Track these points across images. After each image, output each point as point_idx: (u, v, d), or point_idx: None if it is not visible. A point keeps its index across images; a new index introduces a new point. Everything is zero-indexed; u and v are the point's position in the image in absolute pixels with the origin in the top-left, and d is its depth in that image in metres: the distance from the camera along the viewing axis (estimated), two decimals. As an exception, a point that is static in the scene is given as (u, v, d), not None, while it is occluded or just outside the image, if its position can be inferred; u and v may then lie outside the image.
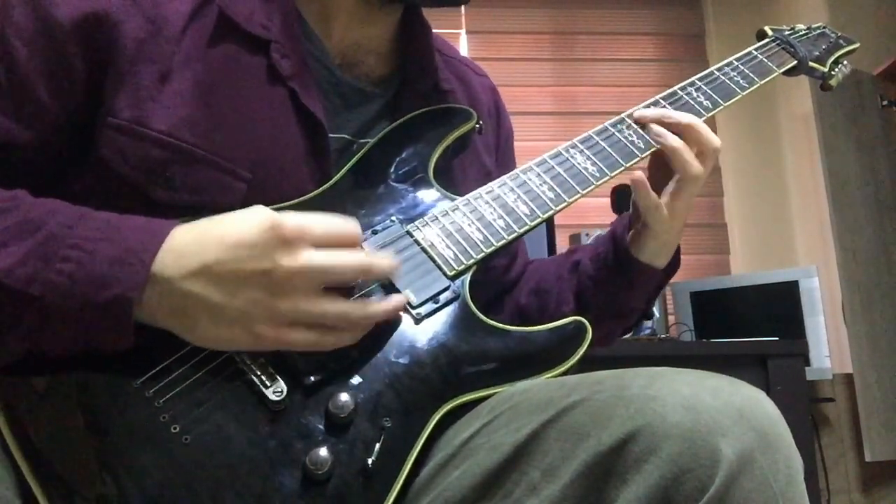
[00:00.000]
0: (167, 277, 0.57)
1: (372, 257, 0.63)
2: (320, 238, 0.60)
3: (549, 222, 2.30)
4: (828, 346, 2.44)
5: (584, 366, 0.69)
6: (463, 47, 3.12)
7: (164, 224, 0.60)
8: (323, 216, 0.62)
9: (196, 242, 0.59)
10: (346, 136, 0.78)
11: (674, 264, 0.87)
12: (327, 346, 0.61)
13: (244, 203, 0.64)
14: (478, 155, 0.88)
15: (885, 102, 2.84)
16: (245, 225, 0.59)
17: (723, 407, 0.54)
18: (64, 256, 0.56)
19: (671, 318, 2.64)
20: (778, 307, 2.51)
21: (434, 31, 0.88)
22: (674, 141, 0.80)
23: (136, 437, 0.56)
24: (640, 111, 0.83)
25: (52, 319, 0.56)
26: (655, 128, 0.81)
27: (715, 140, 0.81)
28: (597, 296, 0.86)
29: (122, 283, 0.56)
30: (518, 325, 0.70)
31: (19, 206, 0.59)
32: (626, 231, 0.85)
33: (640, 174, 0.79)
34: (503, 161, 0.93)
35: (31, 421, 0.56)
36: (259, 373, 0.60)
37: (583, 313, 0.81)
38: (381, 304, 0.63)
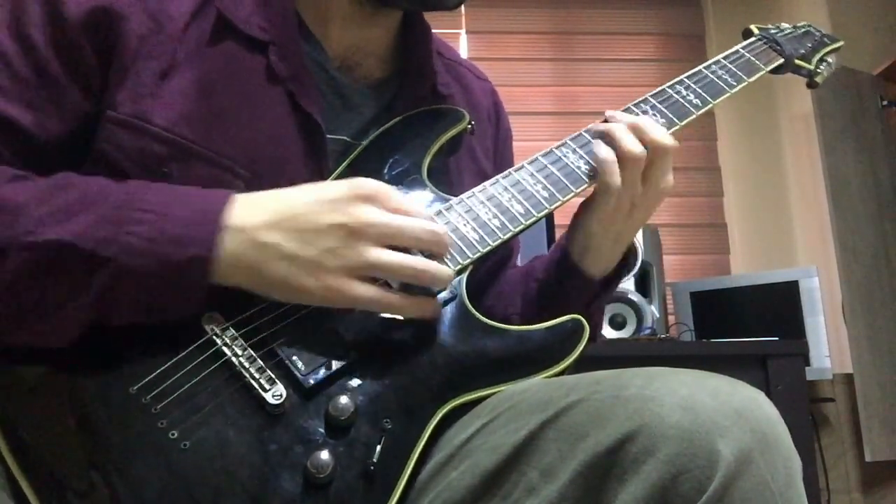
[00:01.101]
0: (243, 228, 0.60)
1: (438, 227, 0.65)
2: (394, 205, 0.63)
3: (549, 221, 2.29)
4: (828, 346, 2.44)
5: (583, 366, 0.69)
6: (463, 47, 3.12)
7: (223, 191, 0.62)
8: (396, 189, 0.65)
9: (270, 198, 0.62)
10: (344, 138, 0.78)
11: (613, 279, 0.84)
12: (391, 306, 0.63)
13: None
14: (474, 157, 0.88)
15: (885, 102, 2.83)
16: (324, 184, 0.64)
17: (721, 407, 0.53)
18: (137, 219, 0.58)
19: (671, 318, 2.64)
20: (778, 307, 2.51)
21: (434, 31, 0.87)
22: (601, 152, 0.77)
23: (133, 444, 0.55)
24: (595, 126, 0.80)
25: (124, 282, 0.57)
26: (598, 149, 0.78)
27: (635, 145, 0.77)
28: (537, 300, 0.85)
29: (198, 242, 0.58)
30: None
31: (75, 182, 0.61)
32: (569, 236, 0.84)
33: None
34: (500, 164, 0.93)
35: (23, 426, 0.56)
36: (257, 376, 0.59)
37: (527, 316, 0.80)
38: (444, 268, 0.64)
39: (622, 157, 0.76)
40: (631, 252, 0.86)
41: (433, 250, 0.65)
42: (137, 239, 0.57)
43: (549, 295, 0.84)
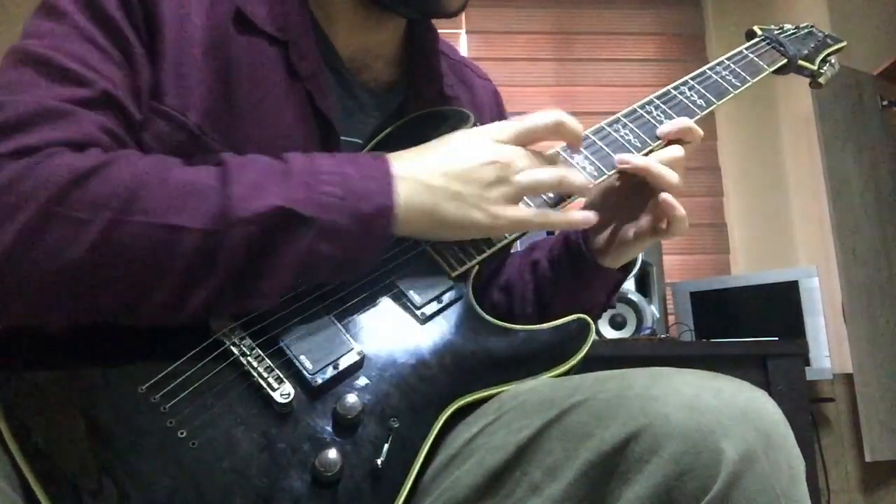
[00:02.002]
0: (413, 177, 0.66)
1: (564, 116, 0.73)
2: (518, 132, 0.72)
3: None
4: (828, 346, 2.44)
5: (586, 366, 0.69)
6: (463, 47, 3.13)
7: (374, 152, 0.70)
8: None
9: (420, 152, 0.69)
10: (358, 141, 0.78)
11: (630, 263, 0.87)
12: (549, 220, 0.72)
13: None
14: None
15: (885, 102, 2.84)
16: (465, 135, 0.71)
17: (725, 407, 0.54)
18: (324, 181, 0.62)
19: (671, 318, 2.64)
20: (778, 307, 2.51)
21: (438, 33, 0.88)
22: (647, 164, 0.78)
23: (142, 443, 0.55)
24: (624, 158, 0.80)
25: (326, 237, 0.61)
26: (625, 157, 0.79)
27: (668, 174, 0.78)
28: (556, 297, 0.87)
29: (379, 193, 0.63)
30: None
31: (247, 159, 0.63)
32: (580, 238, 0.85)
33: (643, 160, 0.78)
34: None
35: (32, 426, 0.56)
36: (265, 376, 0.60)
37: (543, 312, 0.81)
38: (583, 176, 0.74)
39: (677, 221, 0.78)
40: None
41: (564, 134, 0.73)
42: (330, 198, 0.61)
43: (569, 290, 0.86)
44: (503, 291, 0.92)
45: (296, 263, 0.60)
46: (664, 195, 0.76)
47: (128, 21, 0.66)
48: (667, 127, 0.81)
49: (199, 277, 0.58)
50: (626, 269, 0.86)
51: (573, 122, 0.73)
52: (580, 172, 0.75)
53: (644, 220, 0.80)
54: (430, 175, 0.66)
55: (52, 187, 0.55)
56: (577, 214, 0.74)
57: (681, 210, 0.77)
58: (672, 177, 0.76)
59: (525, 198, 0.72)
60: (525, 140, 0.71)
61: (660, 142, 0.81)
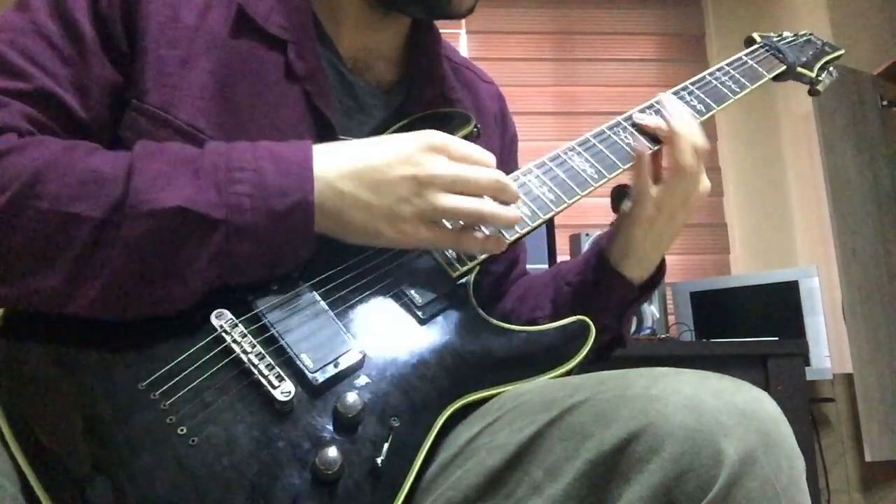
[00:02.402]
0: (325, 179, 0.63)
1: (505, 179, 0.68)
2: (461, 155, 0.67)
3: (549, 223, 2.30)
4: (828, 346, 2.44)
5: (586, 366, 0.69)
6: (463, 47, 3.13)
7: (302, 142, 0.65)
8: (466, 142, 0.69)
9: (346, 149, 0.65)
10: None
11: (650, 285, 0.86)
12: (466, 246, 0.69)
13: None
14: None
15: (885, 102, 2.83)
16: (395, 137, 0.67)
17: (725, 407, 0.54)
18: (237, 179, 0.60)
19: (671, 318, 2.64)
20: (778, 307, 2.51)
21: (441, 35, 0.88)
22: (677, 126, 0.79)
23: (142, 439, 0.55)
24: (640, 117, 0.83)
25: (240, 238, 0.59)
26: (651, 119, 0.81)
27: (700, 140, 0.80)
28: (571, 303, 0.86)
29: (297, 189, 0.61)
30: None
31: (159, 148, 0.62)
32: (609, 239, 0.85)
33: (643, 147, 0.80)
34: (507, 167, 0.93)
35: (32, 422, 0.56)
36: (266, 373, 0.60)
37: (558, 319, 0.81)
38: (510, 210, 0.69)
39: (682, 168, 0.78)
40: (663, 262, 0.87)
41: (500, 197, 0.68)
42: (242, 197, 0.60)
43: (584, 299, 0.85)
44: (518, 300, 0.92)
45: (209, 265, 0.59)
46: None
47: (92, 23, 0.66)
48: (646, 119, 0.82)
49: (90, 269, 0.57)
50: (643, 289, 0.85)
51: (511, 189, 0.69)
52: (515, 210, 0.71)
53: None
54: (345, 178, 0.64)
55: None
56: (490, 240, 0.70)
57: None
58: (690, 154, 0.78)
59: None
60: (452, 184, 0.66)
61: (660, 146, 0.82)
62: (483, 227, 0.70)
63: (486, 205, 0.67)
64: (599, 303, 0.84)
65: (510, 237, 0.73)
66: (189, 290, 0.60)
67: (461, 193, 0.66)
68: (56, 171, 0.58)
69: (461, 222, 0.69)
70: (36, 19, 0.66)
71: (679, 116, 0.81)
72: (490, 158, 0.69)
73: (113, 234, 0.57)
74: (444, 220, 0.68)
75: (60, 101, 0.65)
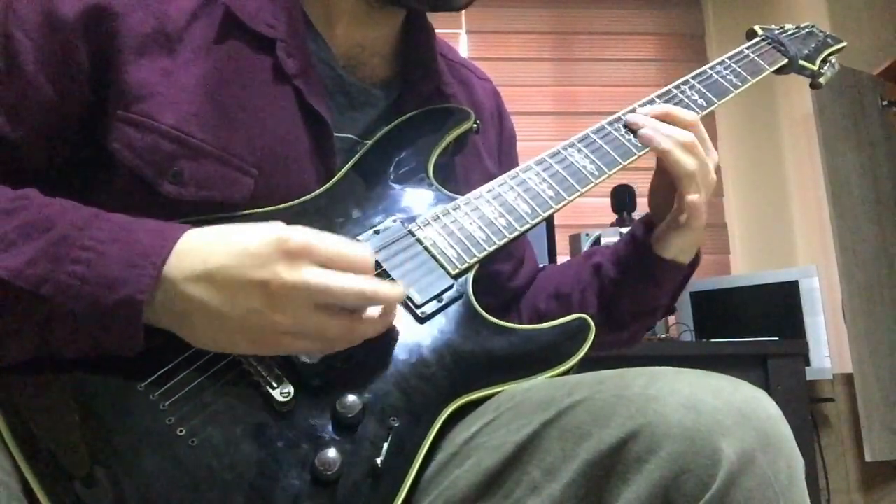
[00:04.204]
0: (171, 280, 0.57)
1: (378, 285, 0.60)
2: (326, 258, 0.58)
3: (549, 222, 2.29)
4: (828, 346, 2.44)
5: (585, 366, 0.69)
6: (463, 47, 3.12)
7: (178, 228, 0.60)
8: (337, 238, 0.60)
9: (203, 247, 0.58)
10: (352, 136, 0.78)
11: (696, 259, 0.88)
12: (329, 352, 0.60)
13: (252, 199, 0.66)
14: (480, 157, 0.89)
15: (885, 102, 2.83)
16: (253, 234, 0.58)
17: (724, 407, 0.54)
18: (75, 258, 0.56)
19: (671, 318, 2.64)
20: (778, 307, 2.51)
21: (435, 31, 0.88)
22: (662, 142, 0.80)
23: (141, 440, 0.55)
24: (630, 117, 0.83)
25: (61, 320, 0.56)
26: (643, 133, 0.81)
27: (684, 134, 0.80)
28: (621, 298, 0.87)
29: (131, 285, 0.56)
30: None
31: (28, 206, 0.59)
32: (647, 233, 0.86)
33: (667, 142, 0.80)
34: (505, 165, 0.94)
35: (31, 422, 0.56)
36: (265, 374, 0.60)
37: (608, 315, 0.82)
38: (381, 318, 0.61)
39: (688, 174, 0.79)
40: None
41: (370, 304, 0.60)
42: (72, 279, 0.55)
43: (636, 291, 0.87)
44: (555, 300, 0.92)
45: (32, 338, 0.56)
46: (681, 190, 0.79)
47: (41, 39, 0.64)
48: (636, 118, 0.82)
49: None
50: (692, 265, 0.88)
51: (386, 294, 0.60)
52: (398, 287, 0.63)
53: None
54: (191, 282, 0.57)
55: None
56: (384, 319, 0.62)
57: (692, 197, 0.79)
58: (685, 160, 0.78)
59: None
60: (310, 298, 0.57)
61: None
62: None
63: (356, 322, 0.59)
64: (653, 291, 0.86)
65: (496, 243, 0.72)
66: (7, 355, 0.57)
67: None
68: None
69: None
70: None
71: (653, 129, 0.81)
72: (365, 251, 0.61)
73: None
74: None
75: None
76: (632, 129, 0.82)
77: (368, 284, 0.59)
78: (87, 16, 0.65)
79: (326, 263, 0.58)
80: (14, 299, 0.55)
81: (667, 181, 0.82)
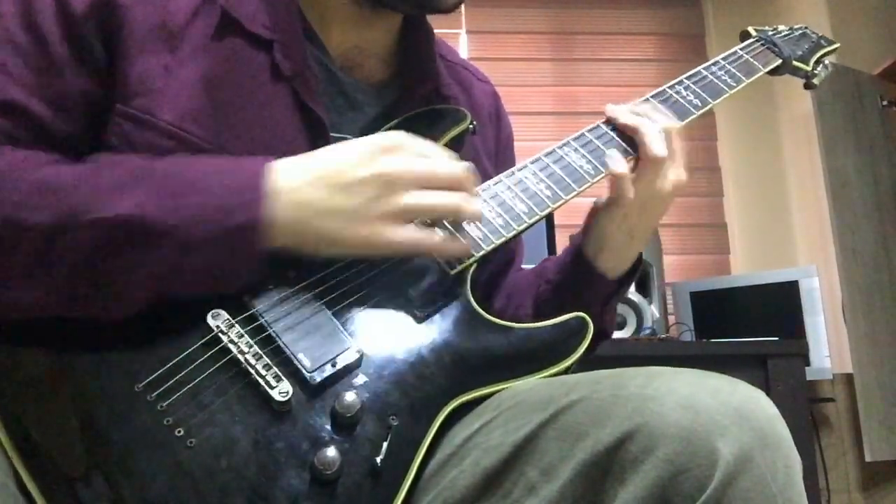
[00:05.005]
0: (284, 191, 0.62)
1: (467, 173, 0.68)
2: (420, 151, 0.67)
3: (549, 222, 2.29)
4: (828, 346, 2.44)
5: (584, 366, 0.69)
6: (463, 47, 3.12)
7: (261, 158, 0.64)
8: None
9: (306, 159, 0.65)
10: (348, 137, 0.78)
11: (627, 280, 0.86)
12: (432, 245, 0.66)
13: None
14: (478, 158, 0.89)
15: (885, 102, 2.83)
16: (355, 141, 0.66)
17: (721, 407, 0.54)
18: (187, 193, 0.60)
19: (671, 318, 2.64)
20: (778, 307, 2.51)
21: (434, 31, 0.88)
22: (635, 121, 0.80)
23: (139, 441, 0.55)
24: (612, 111, 0.83)
25: (185, 252, 0.59)
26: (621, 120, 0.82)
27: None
28: (551, 301, 0.86)
29: (246, 207, 0.60)
30: None
31: (116, 160, 0.62)
32: (583, 235, 0.86)
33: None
34: (502, 166, 0.93)
35: (27, 423, 0.56)
36: (263, 374, 0.60)
37: (539, 316, 0.81)
38: (475, 203, 0.68)
39: (650, 160, 0.78)
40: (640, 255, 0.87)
41: (458, 186, 0.67)
42: (193, 210, 0.59)
43: (564, 295, 0.85)
44: (505, 298, 0.92)
45: (151, 274, 0.59)
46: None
47: (63, 32, 0.66)
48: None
49: (36, 276, 0.58)
50: (621, 283, 0.85)
51: (469, 179, 0.68)
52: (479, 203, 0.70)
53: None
54: (304, 188, 0.63)
55: None
56: (456, 244, 0.69)
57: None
58: (658, 144, 0.78)
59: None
60: (418, 180, 0.65)
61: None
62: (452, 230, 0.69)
63: (453, 197, 0.66)
64: (579, 299, 0.83)
65: (494, 242, 0.72)
66: (131, 297, 0.59)
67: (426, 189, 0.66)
68: (11, 180, 0.59)
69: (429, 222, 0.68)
70: (6, 26, 0.65)
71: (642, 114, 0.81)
72: (443, 152, 0.69)
73: (61, 240, 0.58)
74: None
75: (30, 113, 0.64)
76: (613, 121, 0.82)
77: (461, 172, 0.68)
78: (95, 9, 0.66)
79: (421, 157, 0.66)
80: (138, 235, 0.58)
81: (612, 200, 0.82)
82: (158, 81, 0.67)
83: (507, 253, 0.93)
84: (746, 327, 2.41)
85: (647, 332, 2.19)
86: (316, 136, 0.73)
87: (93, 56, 0.67)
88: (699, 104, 0.87)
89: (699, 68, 0.92)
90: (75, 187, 0.59)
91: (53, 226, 0.57)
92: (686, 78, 0.90)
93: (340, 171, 0.63)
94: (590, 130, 0.82)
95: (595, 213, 0.84)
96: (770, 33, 1.02)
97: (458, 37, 3.13)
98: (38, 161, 0.61)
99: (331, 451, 0.56)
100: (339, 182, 0.63)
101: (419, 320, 0.67)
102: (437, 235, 0.67)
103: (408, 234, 0.64)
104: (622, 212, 0.80)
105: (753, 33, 1.01)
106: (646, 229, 0.82)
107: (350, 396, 0.59)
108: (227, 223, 0.59)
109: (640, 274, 2.28)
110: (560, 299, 0.85)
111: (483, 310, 0.70)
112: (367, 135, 0.78)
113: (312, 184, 0.63)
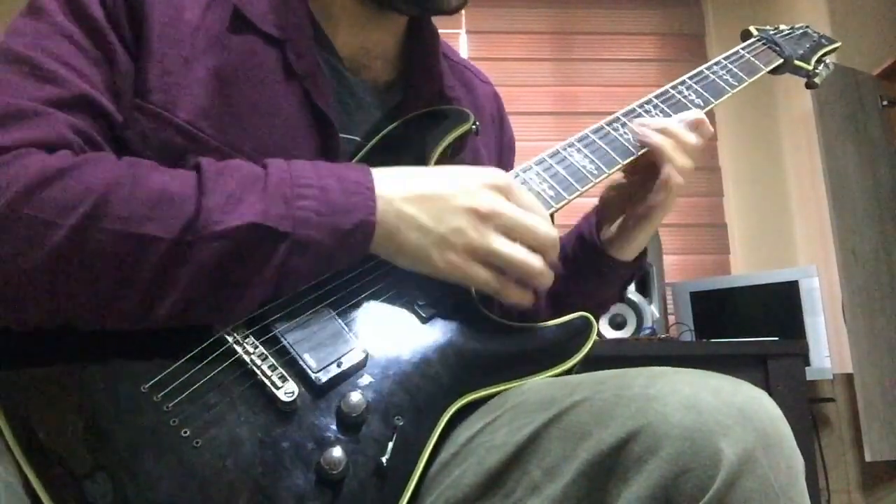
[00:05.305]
0: (389, 198, 0.64)
1: (556, 234, 0.70)
2: (521, 200, 0.68)
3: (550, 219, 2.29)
4: (828, 346, 2.44)
5: (586, 366, 0.69)
6: (463, 47, 3.12)
7: (359, 165, 0.68)
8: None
9: (405, 174, 0.67)
10: (356, 138, 0.78)
11: (643, 254, 0.89)
12: (504, 294, 0.68)
13: None
14: (479, 158, 0.89)
15: (885, 102, 2.83)
16: (463, 169, 0.69)
17: (724, 406, 0.54)
18: (302, 195, 0.61)
19: (671, 318, 2.64)
20: (778, 307, 2.51)
21: (438, 33, 0.88)
22: (658, 139, 0.81)
23: (145, 442, 0.55)
24: (635, 126, 0.84)
25: (302, 252, 0.60)
26: (638, 129, 0.83)
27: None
28: (571, 294, 0.88)
29: (360, 208, 0.63)
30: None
31: (225, 167, 0.62)
32: (594, 231, 0.86)
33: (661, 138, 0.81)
34: (504, 167, 0.94)
35: (34, 424, 0.55)
36: (269, 374, 0.60)
37: (558, 309, 0.82)
38: (549, 273, 0.69)
39: (681, 170, 0.80)
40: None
41: (545, 251, 0.68)
42: (307, 213, 0.61)
43: (584, 287, 0.88)
44: None
45: (270, 277, 0.60)
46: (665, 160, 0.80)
47: (108, 20, 0.66)
48: (686, 115, 0.83)
49: (165, 288, 0.57)
50: (638, 263, 0.88)
51: (556, 247, 0.69)
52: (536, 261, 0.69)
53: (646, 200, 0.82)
54: (406, 201, 0.65)
55: (19, 186, 0.55)
56: (527, 296, 0.70)
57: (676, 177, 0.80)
58: (681, 157, 0.80)
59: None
60: (508, 227, 0.67)
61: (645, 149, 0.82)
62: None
63: (534, 260, 0.67)
64: (602, 287, 0.87)
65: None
66: (248, 302, 0.60)
67: (515, 240, 0.67)
68: (121, 191, 0.57)
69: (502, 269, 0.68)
70: (55, 21, 0.64)
71: (659, 128, 0.82)
72: (545, 212, 0.70)
73: (185, 253, 0.57)
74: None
75: (100, 106, 0.64)
76: (641, 142, 0.83)
77: (550, 228, 0.69)
78: (125, 3, 0.66)
79: (520, 205, 0.68)
80: (258, 241, 0.59)
81: (623, 185, 0.85)
82: (177, 76, 0.67)
83: None
84: (746, 327, 2.41)
85: (647, 332, 2.19)
86: (325, 136, 0.73)
87: (128, 46, 0.66)
88: (701, 104, 0.88)
89: (701, 68, 0.92)
90: (192, 198, 0.59)
91: (176, 239, 0.57)
92: (688, 78, 0.90)
93: (439, 195, 0.65)
94: (593, 131, 0.83)
95: (606, 206, 0.86)
96: (771, 33, 1.02)
97: (458, 37, 3.12)
98: (142, 168, 0.60)
99: (336, 451, 0.56)
100: (434, 205, 0.65)
101: (424, 321, 0.67)
102: (511, 284, 0.68)
103: (481, 274, 0.66)
104: (650, 217, 0.82)
105: (755, 33, 1.01)
106: (658, 216, 0.84)
107: (355, 396, 0.59)
108: (344, 223, 0.62)
109: (641, 274, 2.31)
110: (581, 290, 0.88)
111: (487, 308, 0.71)
112: (373, 136, 0.79)
113: (410, 200, 0.65)
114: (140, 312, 0.58)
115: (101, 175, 0.57)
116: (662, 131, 0.81)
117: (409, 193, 0.65)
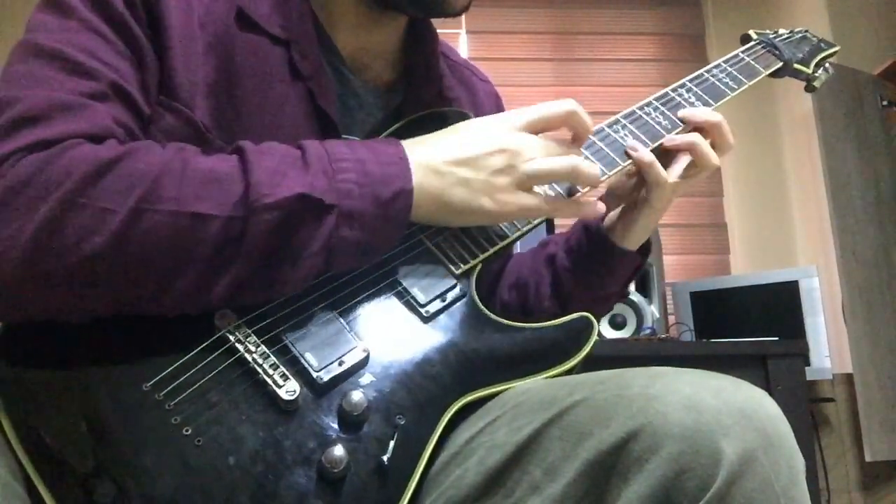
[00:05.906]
0: (425, 162, 0.67)
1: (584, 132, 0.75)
2: (536, 118, 0.72)
3: (550, 222, 2.30)
4: (828, 346, 2.44)
5: (586, 366, 0.69)
6: (463, 47, 3.13)
7: (388, 138, 0.72)
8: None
9: (433, 139, 0.70)
10: (357, 139, 0.78)
11: (647, 245, 0.89)
12: (557, 209, 0.74)
13: None
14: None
15: (885, 102, 2.83)
16: (475, 121, 0.73)
17: (724, 406, 0.54)
18: (342, 168, 0.63)
19: (671, 318, 2.64)
20: (778, 307, 2.51)
21: (438, 34, 0.88)
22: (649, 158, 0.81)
23: (147, 440, 0.55)
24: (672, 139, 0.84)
25: (348, 223, 0.62)
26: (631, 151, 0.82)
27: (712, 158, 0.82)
28: (576, 287, 0.88)
29: (398, 178, 0.65)
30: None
31: (265, 147, 0.64)
32: (598, 221, 0.87)
33: (650, 156, 0.80)
34: None
35: (35, 423, 0.56)
36: (270, 373, 0.60)
37: (563, 305, 0.82)
38: (593, 166, 0.73)
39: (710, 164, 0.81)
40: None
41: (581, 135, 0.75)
42: (349, 185, 0.62)
43: (590, 280, 0.88)
44: (514, 290, 0.93)
45: (320, 249, 0.61)
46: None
47: (132, 16, 0.66)
48: (690, 112, 0.84)
49: (223, 265, 0.58)
50: (644, 253, 0.88)
51: (584, 114, 0.74)
52: (593, 164, 0.75)
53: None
54: (439, 161, 0.67)
55: (75, 177, 0.56)
56: (587, 205, 0.75)
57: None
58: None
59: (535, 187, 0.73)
60: (537, 127, 0.72)
61: (658, 143, 0.82)
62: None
63: (573, 161, 0.71)
64: (607, 280, 0.87)
65: (502, 241, 0.74)
66: (300, 276, 0.61)
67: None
68: (172, 174, 0.58)
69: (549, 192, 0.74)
70: (83, 17, 0.65)
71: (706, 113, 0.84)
72: (557, 104, 0.74)
73: (240, 229, 0.58)
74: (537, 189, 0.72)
75: (133, 100, 0.64)
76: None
77: (575, 156, 0.72)
78: (142, 2, 0.66)
79: (537, 123, 0.72)
80: (306, 212, 0.60)
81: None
82: (193, 74, 0.67)
83: (508, 252, 0.93)
84: (746, 327, 2.41)
85: (647, 332, 2.19)
86: (327, 137, 0.73)
87: (150, 41, 0.67)
88: (701, 106, 0.88)
89: (701, 71, 0.92)
90: (239, 175, 0.60)
91: (230, 216, 0.58)
92: (688, 80, 0.91)
93: (468, 146, 0.69)
94: (593, 133, 0.83)
95: (627, 207, 0.86)
96: (771, 36, 1.02)
97: (458, 37, 3.13)
98: (187, 152, 0.62)
99: (338, 450, 0.56)
100: (468, 157, 0.68)
101: (425, 320, 0.67)
102: (564, 202, 0.74)
103: (532, 202, 0.70)
104: (660, 206, 0.83)
105: (754, 36, 1.02)
106: (664, 204, 0.84)
107: (357, 395, 0.60)
108: (384, 192, 0.63)
109: (640, 274, 2.31)
110: (587, 284, 0.88)
111: (488, 306, 0.71)
112: (373, 137, 0.79)
113: (445, 161, 0.68)
114: (198, 293, 0.59)
115: (152, 160, 0.59)
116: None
117: (441, 155, 0.68)
